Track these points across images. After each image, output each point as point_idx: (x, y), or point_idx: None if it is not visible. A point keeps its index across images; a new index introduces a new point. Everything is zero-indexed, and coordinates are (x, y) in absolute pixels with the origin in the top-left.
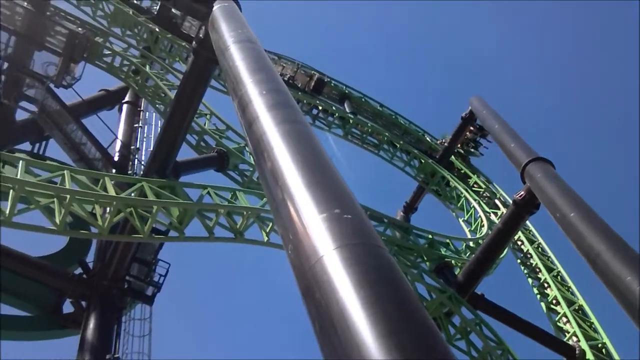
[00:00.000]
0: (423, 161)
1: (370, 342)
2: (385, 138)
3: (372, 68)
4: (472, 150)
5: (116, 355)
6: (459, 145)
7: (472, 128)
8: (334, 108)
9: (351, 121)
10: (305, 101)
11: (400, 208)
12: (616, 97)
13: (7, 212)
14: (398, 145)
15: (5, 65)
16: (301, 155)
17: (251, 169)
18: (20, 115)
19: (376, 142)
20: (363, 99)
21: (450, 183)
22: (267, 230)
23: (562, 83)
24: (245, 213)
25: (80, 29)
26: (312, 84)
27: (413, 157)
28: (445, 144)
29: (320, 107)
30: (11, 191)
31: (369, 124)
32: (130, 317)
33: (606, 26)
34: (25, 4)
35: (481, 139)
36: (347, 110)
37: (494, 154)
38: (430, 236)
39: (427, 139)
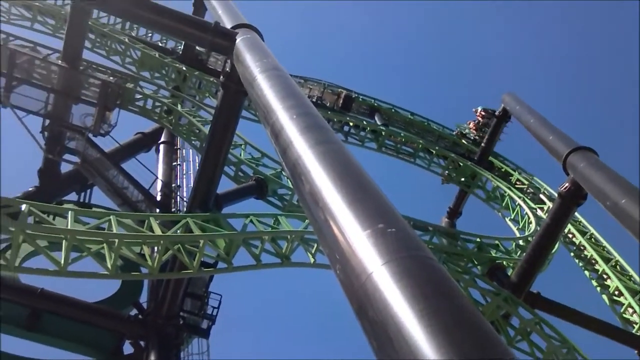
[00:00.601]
0: (462, 164)
1: (431, 356)
2: (420, 146)
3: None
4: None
5: None
6: (474, 133)
7: (483, 113)
8: (364, 122)
9: (384, 133)
10: (335, 119)
11: (443, 214)
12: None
13: (62, 262)
14: (434, 152)
15: (47, 122)
16: (338, 174)
17: (290, 193)
18: (65, 168)
19: (411, 150)
20: (393, 110)
21: (493, 183)
22: (313, 252)
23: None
24: (289, 237)
25: (111, 77)
26: (340, 101)
27: (451, 162)
28: (482, 144)
29: (351, 124)
30: (64, 241)
31: (401, 134)
32: (188, 352)
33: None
34: (60, 62)
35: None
36: (378, 122)
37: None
38: (478, 239)
39: (463, 141)
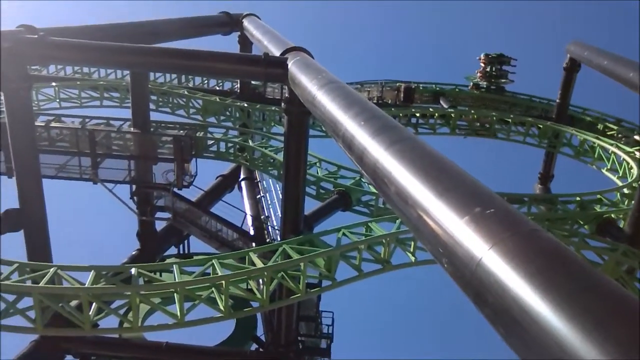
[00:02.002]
0: (541, 126)
1: (563, 328)
2: (494, 118)
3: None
4: (502, 80)
5: None
6: (482, 81)
7: (483, 57)
8: (431, 110)
9: (453, 115)
10: (401, 114)
11: (535, 181)
12: None
13: (178, 314)
14: (510, 121)
15: (134, 187)
16: (420, 168)
17: (374, 198)
18: (159, 225)
19: (486, 125)
20: (457, 89)
21: (579, 137)
22: (412, 250)
23: None
24: (384, 241)
25: (181, 131)
26: (401, 95)
27: (530, 126)
28: (557, 101)
29: (417, 114)
30: (175, 294)
31: (472, 112)
32: None
33: None
34: (132, 129)
35: (503, 66)
36: (445, 106)
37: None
38: (578, 198)
39: (538, 101)
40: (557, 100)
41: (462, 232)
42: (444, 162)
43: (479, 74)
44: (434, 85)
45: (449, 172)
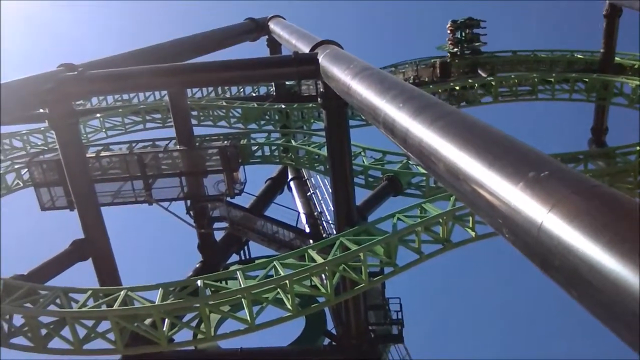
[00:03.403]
0: (587, 80)
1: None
2: (536, 80)
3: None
4: (476, 43)
5: None
6: (454, 49)
7: (451, 27)
8: (470, 81)
9: (494, 83)
10: (440, 90)
11: (587, 137)
12: None
13: (249, 318)
14: (553, 80)
15: (188, 202)
16: (466, 140)
17: (425, 178)
18: (218, 235)
19: (529, 88)
20: (492, 57)
21: (630, 84)
22: (471, 226)
23: None
24: (441, 220)
25: (225, 141)
26: (437, 71)
27: (575, 82)
28: (601, 50)
29: (457, 87)
30: (243, 300)
31: (512, 76)
32: None
33: None
34: (177, 146)
35: (474, 30)
36: (484, 75)
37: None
38: (638, 148)
39: (579, 56)
40: (601, 50)
41: (519, 198)
42: (490, 131)
43: (449, 42)
44: (467, 55)
45: (497, 141)
